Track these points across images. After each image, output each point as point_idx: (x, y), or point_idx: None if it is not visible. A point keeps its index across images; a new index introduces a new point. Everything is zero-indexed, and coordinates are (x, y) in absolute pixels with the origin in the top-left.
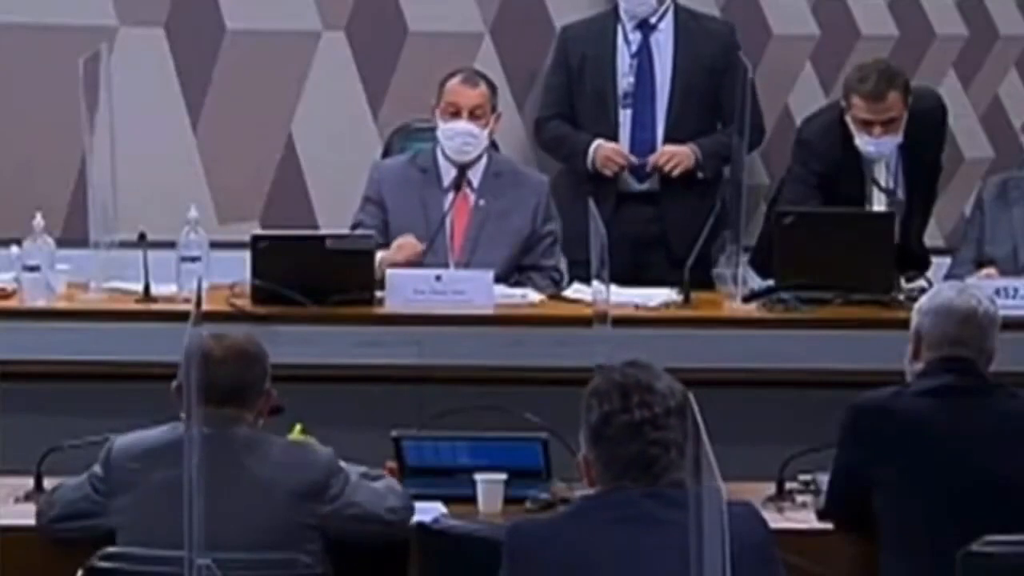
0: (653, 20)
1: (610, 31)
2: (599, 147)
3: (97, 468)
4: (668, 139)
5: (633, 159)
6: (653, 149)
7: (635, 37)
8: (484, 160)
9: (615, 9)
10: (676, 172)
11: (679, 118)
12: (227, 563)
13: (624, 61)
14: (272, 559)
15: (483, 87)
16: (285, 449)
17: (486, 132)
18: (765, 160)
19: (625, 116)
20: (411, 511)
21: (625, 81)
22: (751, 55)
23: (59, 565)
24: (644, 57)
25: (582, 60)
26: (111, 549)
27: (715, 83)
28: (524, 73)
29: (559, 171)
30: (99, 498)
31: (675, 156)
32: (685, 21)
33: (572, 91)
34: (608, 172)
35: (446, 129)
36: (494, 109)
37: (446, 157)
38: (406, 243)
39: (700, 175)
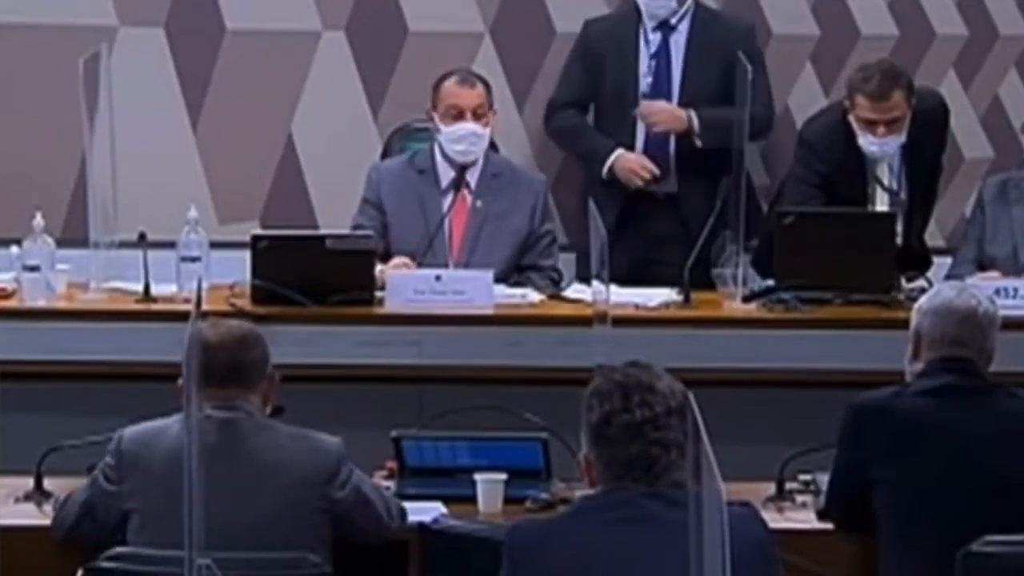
0: (673, 21)
1: (631, 30)
2: (620, 158)
3: (108, 458)
4: (680, 139)
5: (656, 170)
6: (666, 149)
7: (655, 37)
8: (481, 161)
9: (636, 8)
10: (657, 129)
11: None
12: (232, 563)
13: (644, 61)
14: (279, 559)
15: (480, 87)
16: (294, 436)
17: (488, 131)
18: (765, 160)
19: None
20: (405, 518)
21: (644, 82)
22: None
23: (59, 565)
24: (662, 58)
25: (603, 58)
26: (114, 550)
27: (727, 81)
28: (524, 73)
29: (573, 164)
30: (112, 487)
31: (661, 114)
32: (704, 21)
33: (591, 85)
34: (631, 185)
35: (451, 132)
36: (491, 107)
37: (445, 158)
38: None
39: (698, 143)
